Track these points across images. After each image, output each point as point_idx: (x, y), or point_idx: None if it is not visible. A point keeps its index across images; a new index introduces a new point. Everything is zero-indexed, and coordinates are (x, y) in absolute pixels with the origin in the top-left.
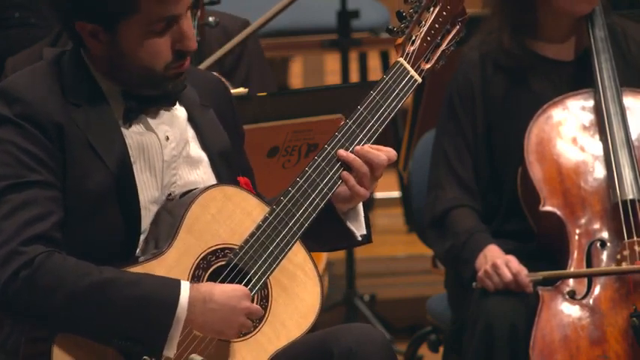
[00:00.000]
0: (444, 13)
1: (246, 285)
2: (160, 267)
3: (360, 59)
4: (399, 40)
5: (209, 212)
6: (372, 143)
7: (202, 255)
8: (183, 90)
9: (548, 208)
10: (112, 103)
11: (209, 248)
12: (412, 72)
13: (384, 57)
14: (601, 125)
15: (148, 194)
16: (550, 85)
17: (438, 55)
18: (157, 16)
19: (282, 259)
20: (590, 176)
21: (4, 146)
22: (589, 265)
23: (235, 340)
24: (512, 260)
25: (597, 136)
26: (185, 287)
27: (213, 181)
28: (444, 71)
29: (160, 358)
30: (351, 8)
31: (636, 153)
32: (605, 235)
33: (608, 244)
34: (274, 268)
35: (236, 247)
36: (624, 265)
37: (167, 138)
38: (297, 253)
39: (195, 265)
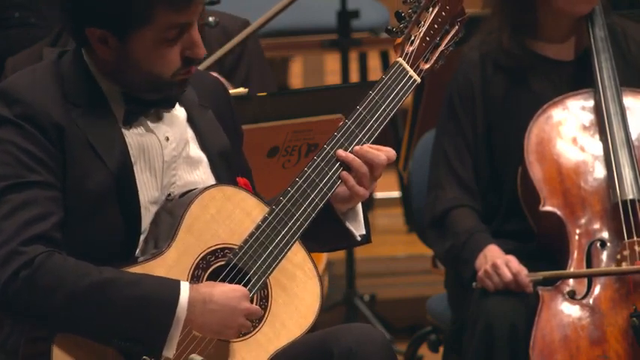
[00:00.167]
0: (443, 13)
1: (245, 285)
2: (159, 267)
3: (360, 59)
4: (398, 41)
5: (208, 212)
6: (372, 143)
7: (202, 255)
8: (184, 92)
9: (548, 208)
10: (112, 104)
11: (208, 248)
12: (411, 72)
13: (384, 57)
14: (601, 125)
15: (148, 194)
16: (550, 85)
17: (437, 55)
18: (170, 24)
19: (282, 259)
20: (590, 176)
21: (4, 146)
22: (589, 265)
23: (235, 340)
24: (512, 260)
25: (597, 136)
26: (185, 287)
27: (212, 181)
28: (444, 71)
29: (160, 358)
30: (351, 8)
31: (636, 153)
32: (605, 235)
33: (608, 244)
34: (274, 268)
35: (235, 247)
36: (624, 265)
37: (167, 138)
38: (297, 253)
39: (194, 265)
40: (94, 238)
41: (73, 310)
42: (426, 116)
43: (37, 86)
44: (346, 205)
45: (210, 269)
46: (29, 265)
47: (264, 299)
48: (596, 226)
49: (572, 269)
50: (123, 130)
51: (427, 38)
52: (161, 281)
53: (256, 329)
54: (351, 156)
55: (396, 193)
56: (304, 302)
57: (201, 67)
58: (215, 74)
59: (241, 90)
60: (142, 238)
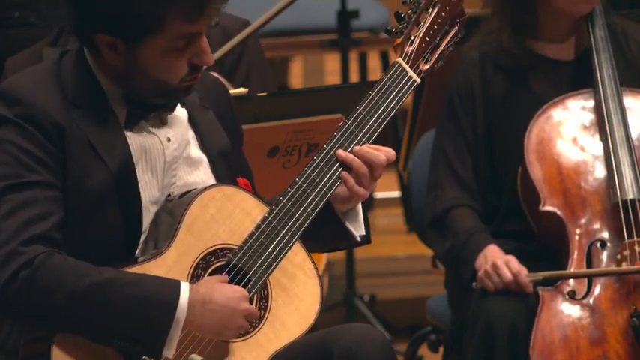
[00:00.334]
0: (443, 14)
1: (245, 285)
2: (159, 267)
3: (360, 59)
4: (398, 41)
5: (208, 212)
6: (372, 143)
7: (202, 255)
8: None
9: (548, 208)
10: (114, 105)
11: (208, 248)
12: (411, 72)
13: (384, 57)
14: (601, 125)
15: (149, 195)
16: (550, 84)
17: (436, 55)
18: (181, 34)
19: (282, 259)
20: (590, 176)
21: (4, 146)
22: (589, 265)
23: (235, 340)
24: (512, 260)
25: (597, 136)
26: (185, 288)
27: (212, 182)
28: (444, 71)
29: (160, 359)
30: (351, 8)
31: (636, 153)
32: (605, 235)
33: (608, 244)
34: (274, 268)
35: (235, 247)
36: (624, 265)
37: (168, 139)
38: (297, 253)
39: (194, 265)
40: (94, 238)
41: (73, 310)
42: (426, 116)
43: (38, 87)
44: (346, 205)
45: (210, 269)
46: (29, 265)
47: (264, 299)
48: (596, 226)
49: (572, 269)
50: (125, 132)
51: (427, 39)
52: (161, 281)
53: (256, 329)
54: (351, 156)
55: (396, 193)
56: (304, 302)
57: None
58: (215, 74)
59: (241, 90)
60: (142, 238)
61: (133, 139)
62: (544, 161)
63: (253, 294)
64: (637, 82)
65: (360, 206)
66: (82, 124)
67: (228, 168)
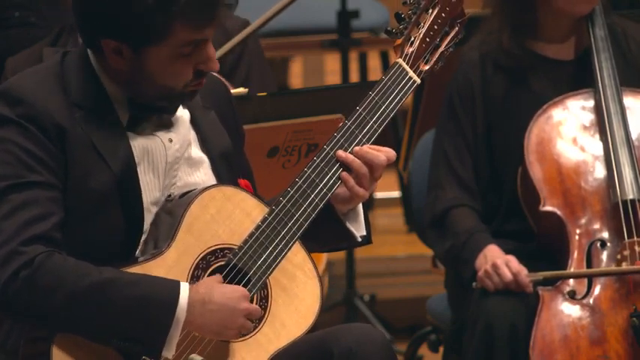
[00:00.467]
0: (443, 14)
1: (245, 285)
2: (159, 267)
3: (360, 59)
4: (398, 42)
5: (208, 212)
6: (372, 144)
7: (202, 255)
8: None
9: (548, 208)
10: (116, 106)
11: (208, 248)
12: (411, 73)
13: (384, 57)
14: (601, 125)
15: (151, 195)
16: (550, 84)
17: (436, 56)
18: (187, 41)
19: (282, 259)
20: (590, 176)
21: (5, 146)
22: (589, 265)
23: (235, 340)
24: (512, 260)
25: (597, 136)
26: (185, 288)
27: (213, 182)
28: (444, 71)
29: (159, 359)
30: (351, 8)
31: (636, 152)
32: (605, 235)
33: (609, 244)
34: (274, 268)
35: (235, 247)
36: (624, 265)
37: (170, 140)
38: (297, 253)
39: (194, 265)
40: (94, 239)
41: (72, 310)
42: (426, 116)
43: (40, 87)
44: (347, 205)
45: (210, 269)
46: (29, 265)
47: (264, 299)
48: (597, 226)
49: (572, 269)
50: (127, 133)
51: (427, 39)
52: (161, 282)
53: (256, 329)
54: (351, 157)
55: (396, 193)
56: (304, 302)
57: None
58: (216, 74)
59: (241, 90)
60: (142, 238)
61: (135, 140)
62: (544, 161)
63: (253, 294)
64: (637, 82)
65: (360, 207)
66: (84, 125)
67: (230, 169)
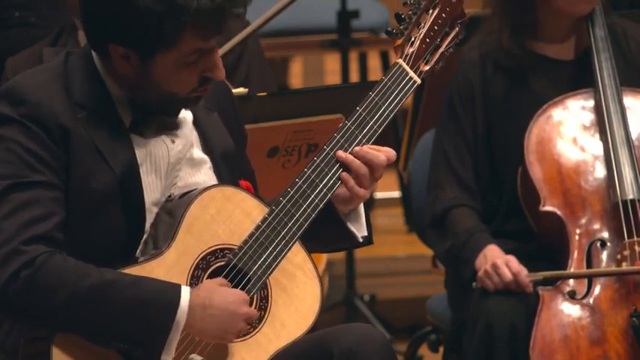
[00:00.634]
0: (443, 15)
1: (245, 285)
2: (159, 267)
3: (360, 59)
4: (398, 42)
5: (208, 212)
6: (372, 144)
7: (202, 255)
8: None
9: (548, 208)
10: (119, 108)
11: (208, 248)
12: (411, 73)
13: (384, 57)
14: (601, 125)
15: (152, 196)
16: (550, 84)
17: (437, 56)
18: (194, 50)
19: (282, 259)
20: (590, 176)
21: (8, 145)
22: (589, 265)
23: (235, 340)
24: (512, 260)
25: (597, 136)
26: (185, 292)
27: (214, 183)
28: (444, 71)
29: None
30: (351, 8)
31: (636, 152)
32: (605, 235)
33: (609, 244)
34: (273, 268)
35: (235, 247)
36: (624, 265)
37: (173, 141)
38: (297, 253)
39: (194, 266)
40: (96, 239)
41: (73, 310)
42: (426, 116)
43: (43, 87)
44: (347, 206)
45: (210, 269)
46: (30, 264)
47: (264, 299)
48: (597, 226)
49: (572, 269)
50: (130, 134)
51: (427, 40)
52: (162, 285)
53: (256, 330)
54: (351, 157)
55: (396, 193)
56: (304, 303)
57: None
58: None
59: (241, 90)
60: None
61: (138, 141)
62: (544, 161)
63: (253, 294)
64: (637, 82)
65: (361, 207)
66: (87, 126)
67: (231, 170)
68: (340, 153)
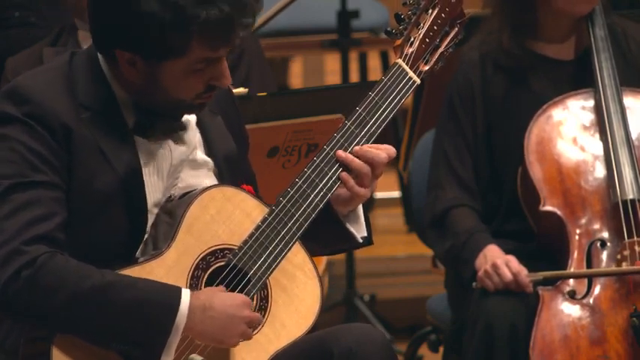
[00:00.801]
0: (443, 15)
1: (245, 285)
2: (159, 267)
3: (360, 59)
4: (398, 42)
5: (208, 213)
6: (371, 144)
7: (202, 255)
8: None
9: (548, 207)
10: (123, 109)
11: (208, 249)
12: (411, 73)
13: (384, 57)
14: (601, 125)
15: (154, 197)
16: (550, 84)
17: (436, 56)
18: (201, 58)
19: (282, 259)
20: (590, 176)
21: (10, 144)
22: (589, 265)
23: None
24: (512, 260)
25: (597, 136)
26: (186, 294)
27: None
28: (444, 71)
29: None
30: (351, 8)
31: (636, 152)
32: (605, 234)
33: (609, 244)
34: (274, 268)
35: (235, 247)
36: (624, 265)
37: (176, 143)
38: (297, 253)
39: (194, 266)
40: (97, 239)
41: (73, 310)
42: (426, 116)
43: (47, 87)
44: (347, 207)
45: (210, 270)
46: (31, 264)
47: (264, 300)
48: (597, 226)
49: (572, 269)
50: (133, 136)
51: (427, 40)
52: (162, 287)
53: (256, 330)
54: (351, 157)
55: (396, 193)
56: (304, 303)
57: None
58: None
59: (241, 90)
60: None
61: (141, 143)
62: (544, 161)
63: (253, 294)
64: (637, 82)
65: (360, 208)
66: (90, 126)
67: (233, 174)
68: (340, 153)
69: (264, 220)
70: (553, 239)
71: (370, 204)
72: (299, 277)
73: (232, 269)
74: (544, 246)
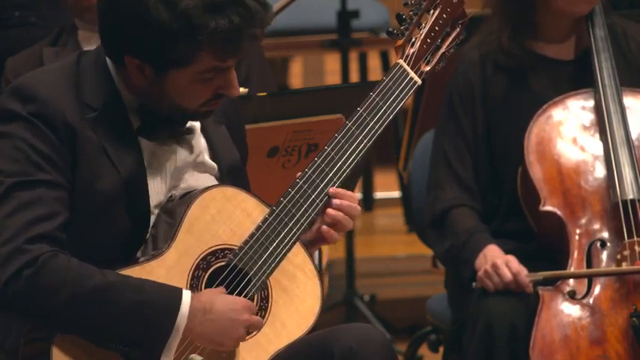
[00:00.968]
0: (444, 15)
1: (245, 285)
2: (159, 267)
3: (360, 59)
4: (399, 42)
5: (209, 213)
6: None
7: (202, 255)
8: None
9: (548, 208)
10: (129, 111)
11: (209, 249)
12: (412, 74)
13: (384, 57)
14: (601, 125)
15: (157, 199)
16: (550, 84)
17: (437, 57)
18: (210, 67)
19: (282, 259)
20: (590, 176)
21: (14, 142)
22: (589, 265)
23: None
24: (512, 260)
25: (597, 136)
26: (187, 295)
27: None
28: (444, 71)
29: None
30: (351, 8)
31: (636, 152)
32: (605, 235)
33: (609, 244)
34: (274, 268)
35: (236, 247)
36: (624, 265)
37: (181, 146)
38: (297, 254)
39: (194, 266)
40: (99, 240)
41: (74, 310)
42: (426, 116)
43: (53, 86)
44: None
45: (211, 270)
46: (33, 263)
47: (264, 300)
48: (597, 226)
49: (572, 269)
50: (137, 137)
51: (428, 40)
52: (164, 288)
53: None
54: (341, 214)
55: (396, 193)
56: (305, 303)
57: None
58: None
59: (241, 90)
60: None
61: (145, 145)
62: (544, 161)
63: (253, 294)
64: (637, 82)
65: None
66: (95, 127)
67: (236, 184)
68: (332, 191)
69: (264, 220)
70: (553, 239)
71: (370, 204)
72: (299, 278)
73: (233, 269)
74: (544, 246)
